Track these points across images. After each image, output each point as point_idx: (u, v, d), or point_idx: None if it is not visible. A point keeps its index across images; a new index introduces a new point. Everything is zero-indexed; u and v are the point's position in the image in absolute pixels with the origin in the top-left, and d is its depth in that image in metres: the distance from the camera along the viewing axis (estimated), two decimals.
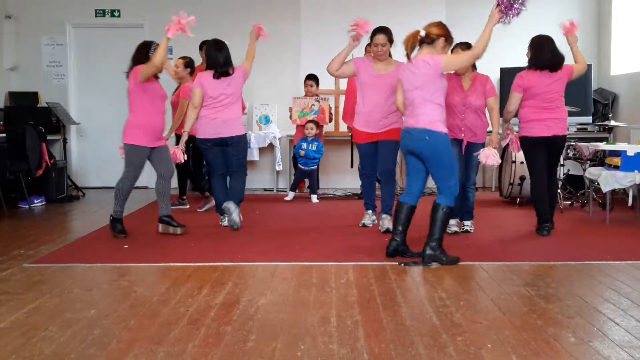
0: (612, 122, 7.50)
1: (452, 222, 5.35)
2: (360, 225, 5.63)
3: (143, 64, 5.07)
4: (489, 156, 4.94)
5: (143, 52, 5.20)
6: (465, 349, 2.81)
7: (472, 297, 3.63)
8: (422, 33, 4.33)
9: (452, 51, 5.05)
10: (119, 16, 8.66)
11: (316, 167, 7.48)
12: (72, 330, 3.06)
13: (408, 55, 4.32)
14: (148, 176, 8.65)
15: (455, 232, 5.34)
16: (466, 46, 5.05)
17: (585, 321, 3.19)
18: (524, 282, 3.93)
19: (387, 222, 5.34)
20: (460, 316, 3.28)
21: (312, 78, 7.77)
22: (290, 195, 7.51)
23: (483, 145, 5.20)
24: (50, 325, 3.12)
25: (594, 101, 8.07)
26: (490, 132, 5.29)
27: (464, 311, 3.36)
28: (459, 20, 8.43)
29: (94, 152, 8.63)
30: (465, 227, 5.43)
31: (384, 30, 5.22)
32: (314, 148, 7.38)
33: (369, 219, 5.67)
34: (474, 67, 5.26)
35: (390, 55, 5.36)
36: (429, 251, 4.31)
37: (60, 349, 2.81)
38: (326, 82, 8.19)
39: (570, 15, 8.66)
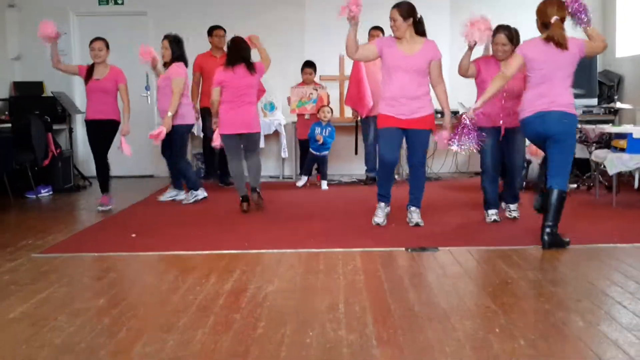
0: (618, 104, 7.46)
1: (492, 211, 5.27)
2: (373, 223, 5.14)
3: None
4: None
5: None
6: (473, 334, 2.82)
7: (479, 282, 3.64)
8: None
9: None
10: (122, 4, 8.61)
11: (327, 152, 7.47)
12: (81, 319, 3.08)
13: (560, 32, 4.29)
14: (153, 165, 8.69)
15: (495, 221, 5.22)
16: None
17: (593, 304, 3.20)
18: (532, 266, 3.93)
19: (416, 216, 5.14)
20: (468, 301, 3.29)
21: (310, 65, 7.74)
22: (303, 179, 7.50)
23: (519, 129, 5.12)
24: (59, 315, 3.14)
25: (599, 83, 8.01)
26: None
27: (471, 296, 3.38)
28: (464, 7, 8.40)
29: None
30: (512, 214, 5.34)
31: (397, 4, 4.93)
32: (327, 133, 7.37)
33: (382, 213, 5.17)
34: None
35: (421, 33, 5.00)
36: (547, 237, 4.29)
37: (70, 339, 2.83)
38: (330, 68, 8.17)
39: None
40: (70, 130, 8.05)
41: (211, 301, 3.32)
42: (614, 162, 5.73)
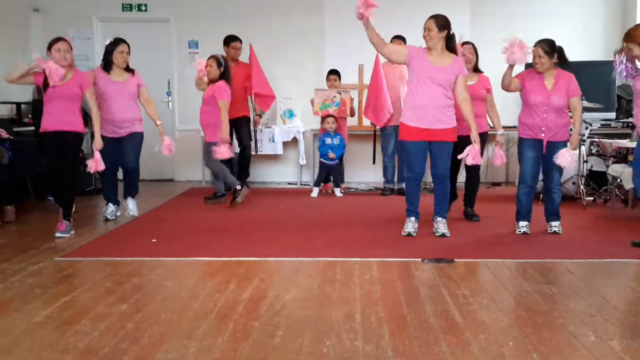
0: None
1: (522, 223, 5.32)
2: (403, 234, 5.17)
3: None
4: (565, 157, 5.04)
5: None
6: (487, 347, 2.87)
7: (494, 295, 3.68)
8: None
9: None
10: (145, 10, 8.77)
11: (338, 161, 7.53)
12: (104, 324, 3.16)
13: None
14: (173, 168, 8.82)
15: (525, 233, 5.29)
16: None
17: (606, 320, 3.23)
18: (546, 279, 3.96)
19: (442, 227, 5.19)
20: (483, 314, 3.33)
21: (335, 73, 7.81)
22: (315, 191, 7.56)
23: (564, 144, 5.17)
24: (83, 319, 3.23)
25: (617, 97, 8.02)
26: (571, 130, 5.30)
27: (486, 309, 3.41)
28: (484, 17, 8.46)
29: None
30: (554, 229, 5.32)
31: (433, 16, 5.00)
32: (337, 142, 7.43)
33: (412, 227, 5.20)
34: (562, 64, 5.16)
35: (451, 49, 5.05)
36: None
37: (94, 343, 2.92)
38: (350, 77, 8.25)
39: (594, 10, 8.65)
40: (92, 135, 8.16)
41: (230, 308, 3.40)
42: (629, 178, 5.74)
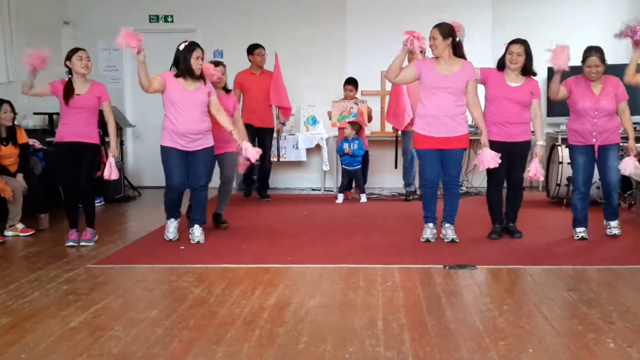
0: None
1: (580, 229, 5.34)
2: (422, 240, 5.24)
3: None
4: (630, 165, 5.08)
5: None
6: (507, 354, 2.93)
7: (515, 302, 3.74)
8: None
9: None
10: (172, 21, 8.97)
11: (360, 166, 7.61)
12: (136, 330, 3.29)
13: None
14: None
15: (583, 239, 5.29)
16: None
17: (626, 327, 3.27)
18: (567, 286, 4.01)
19: (450, 232, 5.25)
20: (503, 320, 3.40)
21: (351, 82, 7.90)
22: (340, 197, 7.66)
23: (617, 146, 5.23)
24: (115, 325, 3.36)
25: None
26: (625, 137, 5.34)
27: (507, 315, 3.48)
28: (505, 20, 8.48)
29: (149, 153, 8.93)
30: (613, 231, 5.36)
31: (437, 25, 5.03)
32: (356, 147, 7.51)
33: (430, 233, 5.25)
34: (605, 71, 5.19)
35: (459, 56, 5.11)
36: None
37: (127, 348, 3.05)
38: (371, 83, 8.35)
39: (619, 12, 8.62)
40: (122, 143, 8.38)
41: (256, 315, 3.51)
42: None
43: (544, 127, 5.40)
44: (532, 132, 5.32)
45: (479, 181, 8.46)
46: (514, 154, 5.20)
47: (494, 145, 5.12)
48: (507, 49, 5.17)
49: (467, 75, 5.06)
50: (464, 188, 8.24)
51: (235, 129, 5.38)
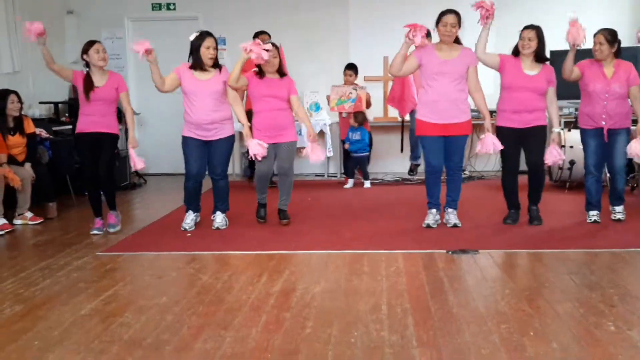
0: None
1: (593, 212, 5.39)
2: (423, 226, 5.29)
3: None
4: (636, 148, 5.10)
5: None
6: (508, 337, 3.00)
7: (516, 285, 3.80)
8: None
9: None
10: (174, 9, 9.00)
11: (365, 153, 7.67)
12: (146, 316, 3.37)
13: None
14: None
15: (595, 222, 5.34)
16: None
17: (626, 310, 3.34)
18: (569, 270, 4.07)
19: (453, 217, 5.32)
20: (505, 304, 3.46)
21: (351, 68, 7.92)
22: (350, 182, 7.76)
23: (627, 131, 5.27)
24: (126, 312, 3.44)
25: None
26: (635, 121, 5.34)
27: (508, 299, 3.54)
28: (509, 4, 8.47)
29: (153, 141, 9.01)
30: (617, 216, 5.40)
31: (454, 11, 5.06)
32: (358, 137, 7.59)
33: (432, 219, 5.31)
34: (617, 53, 5.22)
35: (457, 41, 5.17)
36: None
37: (137, 335, 3.12)
38: (374, 69, 8.36)
39: None
40: (126, 131, 8.41)
41: (263, 300, 3.58)
42: None
43: (558, 113, 5.43)
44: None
45: (482, 165, 8.52)
46: (530, 140, 5.23)
47: (509, 132, 5.18)
48: (520, 35, 5.17)
49: (468, 60, 5.09)
50: (467, 172, 8.29)
51: (247, 124, 5.31)
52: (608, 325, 3.12)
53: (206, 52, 5.16)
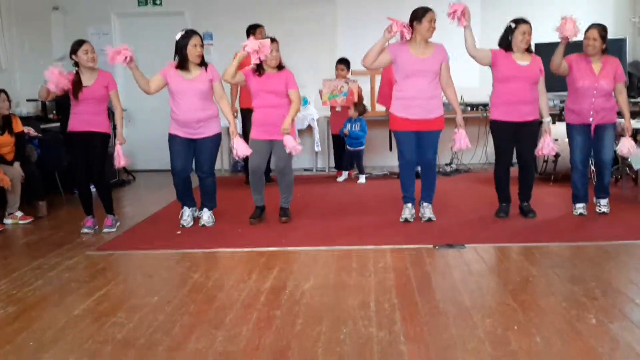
0: None
1: (579, 205, 5.49)
2: (401, 220, 5.40)
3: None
4: (628, 147, 5.23)
5: None
6: (492, 331, 3.08)
7: (501, 279, 3.89)
8: None
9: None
10: (160, 4, 9.00)
11: (362, 147, 7.74)
12: (138, 316, 3.42)
13: None
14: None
15: (581, 215, 5.45)
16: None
17: (608, 303, 3.42)
18: (553, 264, 4.16)
19: (428, 211, 5.41)
20: (490, 298, 3.55)
21: (343, 62, 7.98)
22: (344, 175, 7.84)
23: (613, 125, 5.37)
24: (118, 312, 3.49)
25: (628, 75, 8.06)
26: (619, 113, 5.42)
27: (493, 293, 3.63)
28: (494, 2, 8.54)
29: (141, 137, 9.02)
30: (602, 209, 5.48)
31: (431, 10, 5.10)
32: (357, 128, 7.64)
33: (408, 213, 5.42)
34: (604, 50, 5.29)
35: None
36: None
37: (130, 334, 3.18)
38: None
39: None
40: (114, 127, 8.42)
41: (254, 298, 3.64)
42: (639, 158, 5.87)
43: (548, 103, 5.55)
44: None
45: (469, 158, 8.61)
46: (523, 134, 5.31)
47: (504, 125, 5.28)
48: (514, 29, 5.20)
49: (441, 57, 5.18)
50: (453, 166, 8.39)
51: (234, 122, 5.33)
52: (590, 319, 3.20)
53: (193, 51, 5.17)
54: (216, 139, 5.42)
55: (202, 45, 5.25)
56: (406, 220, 5.39)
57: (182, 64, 5.21)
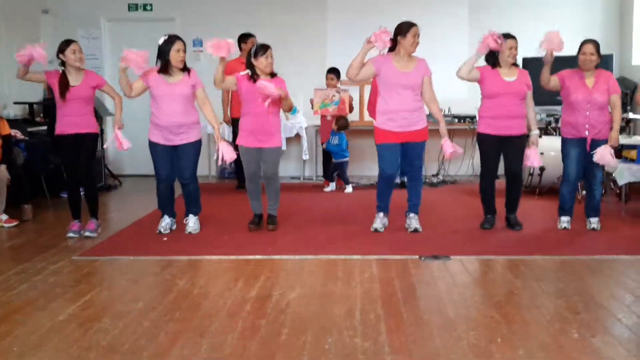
0: (630, 115, 7.58)
1: (565, 218, 5.52)
2: (371, 230, 5.42)
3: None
4: (604, 155, 5.21)
5: None
6: (476, 343, 3.11)
7: (486, 292, 3.92)
8: None
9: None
10: (151, 10, 8.99)
11: (345, 159, 7.77)
12: (123, 322, 3.42)
13: None
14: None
15: (565, 229, 5.47)
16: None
17: (590, 317, 3.46)
18: (537, 277, 4.20)
19: (414, 222, 5.44)
20: (474, 310, 3.58)
21: (333, 72, 7.99)
22: (331, 185, 7.86)
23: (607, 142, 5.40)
24: (103, 318, 3.48)
25: None
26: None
27: (477, 305, 3.66)
28: (480, 10, 8.62)
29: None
30: (592, 225, 5.48)
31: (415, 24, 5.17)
32: (336, 142, 7.69)
33: (380, 222, 5.46)
34: (598, 65, 5.35)
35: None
36: None
37: (115, 340, 3.17)
38: None
39: (592, 3, 8.81)
40: (102, 132, 8.40)
41: (239, 307, 3.65)
42: (624, 173, 5.95)
43: (536, 116, 5.61)
44: None
45: (455, 169, 8.66)
46: (510, 148, 5.38)
47: (489, 138, 5.36)
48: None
49: (423, 71, 5.24)
50: (440, 177, 8.43)
51: (218, 127, 5.29)
52: (572, 332, 3.24)
53: (176, 56, 5.17)
54: (197, 145, 5.41)
55: (184, 51, 5.26)
56: (376, 230, 5.44)
57: (165, 68, 5.21)
